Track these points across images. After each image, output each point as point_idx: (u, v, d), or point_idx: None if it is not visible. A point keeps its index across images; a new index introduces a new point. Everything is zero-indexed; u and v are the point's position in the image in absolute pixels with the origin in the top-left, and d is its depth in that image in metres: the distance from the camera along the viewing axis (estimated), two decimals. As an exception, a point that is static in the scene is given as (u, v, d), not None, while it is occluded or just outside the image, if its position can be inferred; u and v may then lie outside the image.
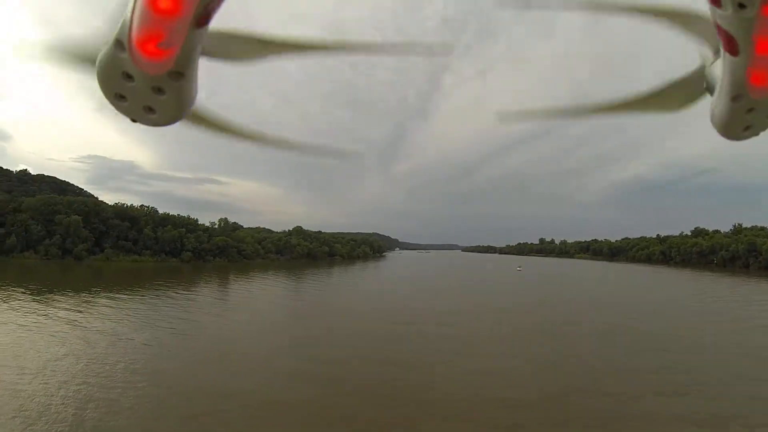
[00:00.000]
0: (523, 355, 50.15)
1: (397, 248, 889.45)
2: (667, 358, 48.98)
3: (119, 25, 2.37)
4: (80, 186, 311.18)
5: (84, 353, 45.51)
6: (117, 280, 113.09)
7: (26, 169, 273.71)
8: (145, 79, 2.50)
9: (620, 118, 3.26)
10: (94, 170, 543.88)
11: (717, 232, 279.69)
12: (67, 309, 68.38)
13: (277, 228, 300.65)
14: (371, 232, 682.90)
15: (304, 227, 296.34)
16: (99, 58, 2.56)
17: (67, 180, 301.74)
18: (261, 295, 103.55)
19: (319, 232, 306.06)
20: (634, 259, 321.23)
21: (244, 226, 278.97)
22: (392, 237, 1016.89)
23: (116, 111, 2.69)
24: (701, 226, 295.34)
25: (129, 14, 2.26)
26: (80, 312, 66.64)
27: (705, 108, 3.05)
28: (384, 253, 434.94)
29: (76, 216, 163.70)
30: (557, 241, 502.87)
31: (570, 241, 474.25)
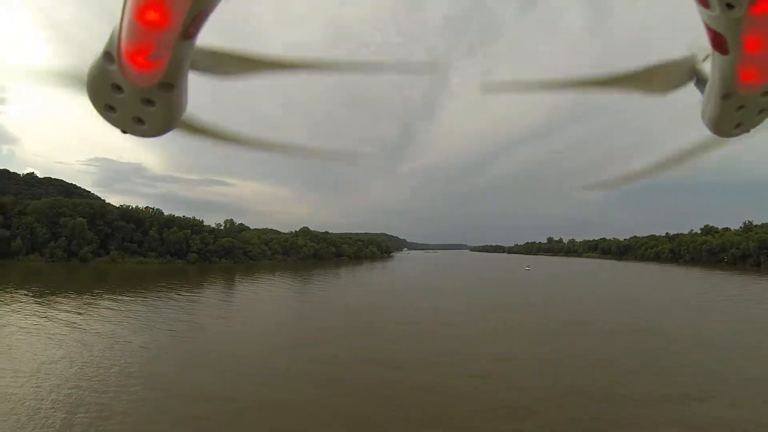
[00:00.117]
0: (529, 356, 48.97)
1: (405, 248, 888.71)
2: (677, 359, 47.54)
3: (108, 37, 2.42)
4: (87, 188, 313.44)
5: (80, 356, 44.94)
6: (120, 282, 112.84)
7: (33, 172, 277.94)
8: (134, 90, 2.53)
9: (605, 94, 3.28)
10: (101, 173, 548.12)
11: (727, 229, 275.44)
12: (67, 311, 67.98)
13: (284, 229, 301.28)
14: (379, 232, 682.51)
15: (312, 228, 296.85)
16: (89, 70, 2.59)
17: (73, 183, 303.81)
18: (265, 296, 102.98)
19: (326, 232, 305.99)
20: (643, 258, 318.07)
21: (251, 227, 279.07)
22: (400, 237, 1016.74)
23: (106, 122, 2.71)
24: (711, 224, 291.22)
25: (117, 27, 2.30)
26: (80, 314, 66.19)
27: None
28: (392, 254, 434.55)
29: (81, 218, 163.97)
30: (565, 240, 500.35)
31: (578, 240, 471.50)
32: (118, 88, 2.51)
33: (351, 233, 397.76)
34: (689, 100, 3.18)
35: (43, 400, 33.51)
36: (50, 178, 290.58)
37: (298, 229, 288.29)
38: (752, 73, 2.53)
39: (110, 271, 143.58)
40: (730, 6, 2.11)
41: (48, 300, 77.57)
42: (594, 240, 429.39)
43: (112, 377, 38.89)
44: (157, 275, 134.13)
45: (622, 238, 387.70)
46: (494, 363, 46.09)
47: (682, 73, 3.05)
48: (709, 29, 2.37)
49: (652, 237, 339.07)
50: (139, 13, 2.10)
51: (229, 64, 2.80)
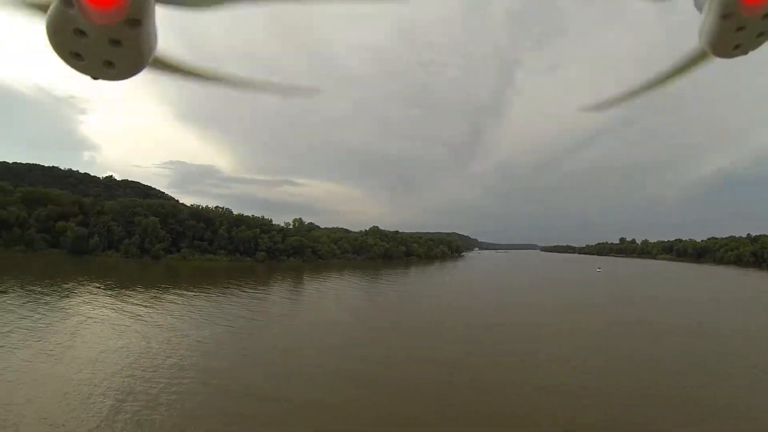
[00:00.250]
0: (600, 377, 45.27)
1: (476, 248, 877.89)
2: None
3: None
4: (162, 190, 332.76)
5: (138, 347, 46.87)
6: (188, 278, 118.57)
7: (111, 175, 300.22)
8: (99, 32, 2.44)
9: (668, 88, 3.54)
10: (175, 175, 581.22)
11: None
12: (133, 304, 71.73)
13: (355, 228, 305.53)
14: (450, 231, 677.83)
15: (384, 227, 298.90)
16: (47, 18, 2.48)
17: (149, 185, 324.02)
18: (330, 294, 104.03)
19: (396, 232, 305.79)
20: (721, 261, 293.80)
21: (321, 227, 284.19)
22: (471, 237, 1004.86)
23: (74, 70, 2.65)
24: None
25: None
26: (145, 307, 69.40)
27: None
28: (462, 253, 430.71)
29: (154, 217, 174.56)
30: (638, 241, 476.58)
31: (652, 240, 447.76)
32: (81, 33, 2.40)
33: (422, 232, 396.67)
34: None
35: (96, 386, 35.07)
36: (127, 180, 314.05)
37: (368, 229, 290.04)
38: None
39: (180, 267, 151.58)
40: None
41: (117, 293, 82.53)
42: (669, 241, 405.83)
43: (165, 369, 39.98)
44: (225, 272, 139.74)
45: (698, 240, 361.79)
46: (563, 376, 42.97)
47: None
48: None
49: (732, 238, 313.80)
50: None
51: None
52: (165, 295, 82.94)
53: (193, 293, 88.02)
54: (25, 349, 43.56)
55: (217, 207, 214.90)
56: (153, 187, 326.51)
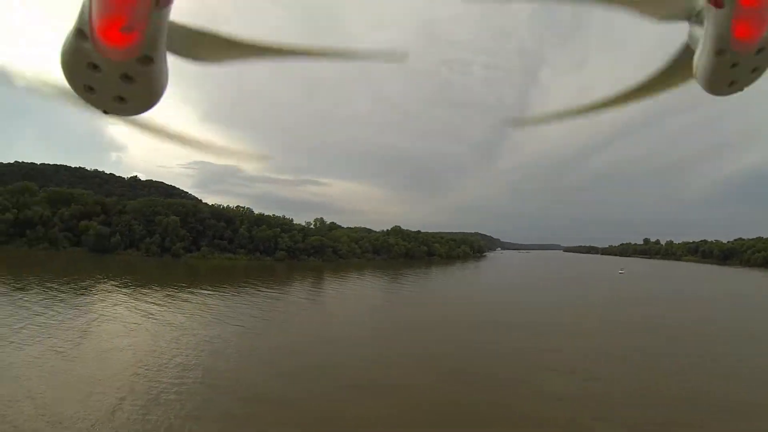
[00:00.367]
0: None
1: (499, 248, 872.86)
2: None
3: (78, 14, 2.38)
4: (186, 189, 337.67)
5: (145, 345, 47.28)
6: (206, 277, 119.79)
7: (136, 176, 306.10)
8: (112, 67, 2.50)
9: (630, 107, 3.58)
10: (199, 175, 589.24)
11: None
12: (147, 302, 72.58)
13: (377, 228, 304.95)
14: (473, 231, 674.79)
15: (406, 227, 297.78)
16: (62, 50, 2.55)
17: (173, 184, 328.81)
18: (348, 294, 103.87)
19: (418, 231, 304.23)
20: (749, 263, 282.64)
21: (343, 226, 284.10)
22: (494, 237, 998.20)
23: (86, 104, 2.69)
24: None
25: (87, 1, 2.27)
26: (158, 305, 70.13)
27: None
28: (484, 254, 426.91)
29: (174, 216, 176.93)
30: (662, 242, 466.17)
31: (677, 241, 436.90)
32: (95, 67, 2.44)
33: (444, 232, 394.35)
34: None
35: (97, 384, 35.39)
36: (152, 180, 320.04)
37: (389, 228, 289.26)
38: (747, 29, 2.56)
39: (199, 266, 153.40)
40: None
41: (132, 291, 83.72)
42: (694, 242, 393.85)
43: (170, 369, 40.08)
44: (244, 271, 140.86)
45: (725, 241, 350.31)
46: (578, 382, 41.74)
47: (679, 7, 3.02)
48: None
49: (760, 239, 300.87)
50: None
51: (210, 47, 2.77)
52: (180, 294, 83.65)
53: (208, 292, 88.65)
54: (34, 346, 44.11)
55: (238, 206, 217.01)
56: (176, 186, 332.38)
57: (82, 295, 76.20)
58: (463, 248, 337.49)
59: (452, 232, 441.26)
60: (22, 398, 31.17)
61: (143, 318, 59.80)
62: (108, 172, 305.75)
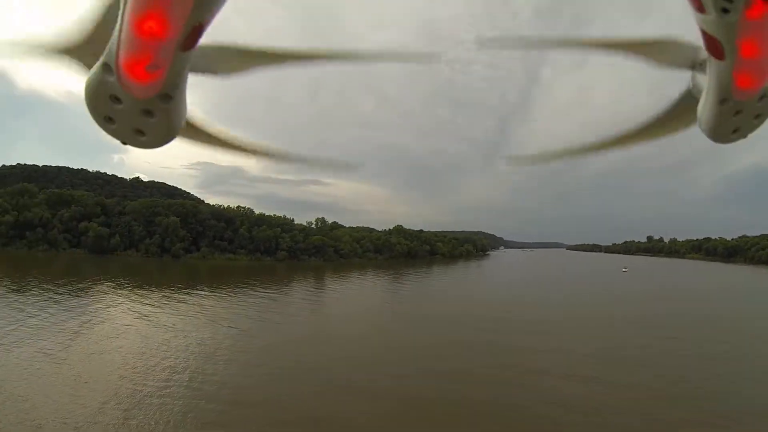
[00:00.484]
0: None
1: (502, 246, 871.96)
2: None
3: (106, 49, 2.52)
4: (188, 190, 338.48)
5: (134, 347, 47.30)
6: (204, 278, 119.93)
7: (138, 177, 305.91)
8: (133, 102, 2.61)
9: (628, 150, 3.61)
10: (203, 176, 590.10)
11: None
12: (142, 303, 72.74)
13: (381, 227, 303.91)
14: (476, 230, 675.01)
15: (410, 226, 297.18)
16: (87, 80, 2.67)
17: (175, 185, 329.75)
18: (345, 294, 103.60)
19: (421, 230, 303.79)
20: (753, 260, 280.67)
21: (346, 226, 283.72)
22: (497, 235, 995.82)
23: (106, 133, 2.78)
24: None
25: (116, 38, 2.41)
26: (153, 306, 70.19)
27: None
28: (487, 252, 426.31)
29: (174, 217, 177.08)
30: (666, 240, 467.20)
31: (680, 239, 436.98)
32: (117, 100, 2.57)
33: (447, 231, 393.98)
34: None
35: (81, 387, 35.16)
36: (154, 181, 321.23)
37: (391, 227, 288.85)
38: (748, 78, 2.62)
39: (198, 266, 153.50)
40: (725, 10, 2.19)
41: (128, 292, 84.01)
42: (698, 240, 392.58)
43: (157, 372, 39.94)
44: (243, 272, 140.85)
45: (729, 238, 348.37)
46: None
47: (683, 56, 3.08)
48: (704, 34, 2.46)
49: (764, 236, 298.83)
50: (138, 24, 2.18)
51: (228, 60, 2.87)
52: (175, 295, 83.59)
53: (204, 293, 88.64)
54: (24, 348, 44.12)
55: (238, 207, 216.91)
56: (178, 187, 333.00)
57: (77, 296, 76.20)
58: (466, 247, 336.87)
59: (456, 231, 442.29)
60: (4, 401, 31.09)
61: (136, 320, 59.74)
62: (110, 174, 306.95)
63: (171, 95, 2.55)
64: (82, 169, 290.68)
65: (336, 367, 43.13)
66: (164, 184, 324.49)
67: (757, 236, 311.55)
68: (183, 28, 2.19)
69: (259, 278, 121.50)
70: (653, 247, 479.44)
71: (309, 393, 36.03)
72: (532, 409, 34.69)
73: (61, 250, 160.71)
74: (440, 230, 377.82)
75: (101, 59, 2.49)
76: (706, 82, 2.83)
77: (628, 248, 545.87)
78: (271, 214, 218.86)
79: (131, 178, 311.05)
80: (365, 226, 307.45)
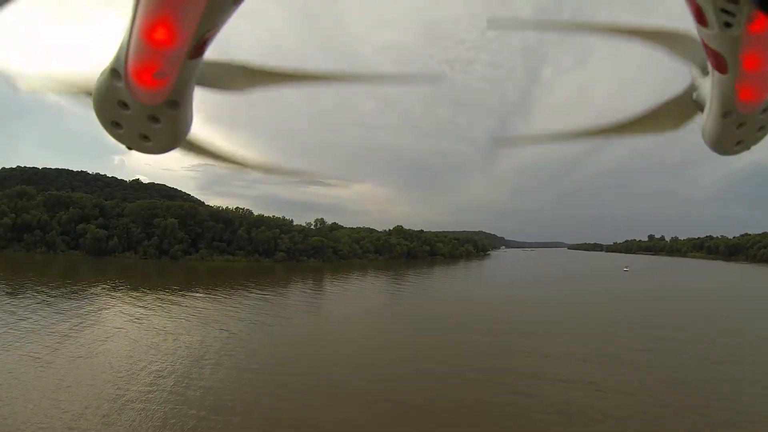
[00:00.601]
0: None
1: (503, 246, 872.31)
2: None
3: (115, 54, 2.54)
4: (188, 192, 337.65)
5: (122, 351, 47.16)
6: (201, 279, 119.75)
7: (138, 179, 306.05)
8: (140, 107, 2.60)
9: (615, 140, 3.58)
10: (203, 177, 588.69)
11: None
12: (135, 305, 72.85)
13: (382, 228, 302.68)
14: (477, 230, 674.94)
15: (411, 226, 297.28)
16: (95, 86, 2.67)
17: (175, 187, 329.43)
18: (344, 296, 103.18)
19: (421, 231, 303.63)
20: (755, 259, 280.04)
21: (348, 226, 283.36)
22: (498, 235, 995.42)
23: (112, 138, 2.78)
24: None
25: (125, 44, 2.41)
26: (146, 308, 70.21)
27: None
28: (488, 252, 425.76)
29: (173, 219, 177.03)
30: (667, 238, 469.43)
31: (682, 238, 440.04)
32: (124, 105, 2.58)
33: (448, 231, 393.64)
34: None
35: (63, 391, 35.03)
36: (154, 183, 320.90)
37: (391, 228, 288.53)
38: (752, 92, 2.61)
39: (196, 268, 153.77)
40: (728, 25, 2.18)
41: (123, 294, 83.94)
42: (699, 238, 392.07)
43: (143, 376, 39.76)
44: (241, 273, 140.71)
45: (731, 237, 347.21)
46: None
47: (689, 104, 3.13)
48: (707, 48, 2.46)
49: (766, 234, 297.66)
50: (147, 32, 2.19)
51: (235, 77, 2.90)
52: (170, 297, 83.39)
53: (199, 295, 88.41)
54: (11, 351, 44.04)
55: (237, 208, 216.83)
56: (178, 189, 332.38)
57: (70, 299, 75.96)
58: (467, 247, 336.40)
59: (457, 231, 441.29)
60: (-16, 407, 30.85)
61: (127, 322, 59.44)
62: (110, 176, 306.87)
63: (178, 102, 2.56)
64: (81, 171, 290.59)
65: (327, 371, 42.70)
66: (164, 186, 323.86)
67: (759, 234, 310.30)
68: (191, 37, 2.21)
69: (256, 280, 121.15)
70: (654, 246, 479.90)
71: (296, 398, 35.67)
72: (530, 415, 34.31)
73: (59, 252, 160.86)
74: (441, 230, 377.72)
75: (109, 64, 2.51)
76: (708, 91, 2.79)
77: (630, 247, 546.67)
78: (271, 215, 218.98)
79: (131, 180, 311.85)
80: (366, 226, 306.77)
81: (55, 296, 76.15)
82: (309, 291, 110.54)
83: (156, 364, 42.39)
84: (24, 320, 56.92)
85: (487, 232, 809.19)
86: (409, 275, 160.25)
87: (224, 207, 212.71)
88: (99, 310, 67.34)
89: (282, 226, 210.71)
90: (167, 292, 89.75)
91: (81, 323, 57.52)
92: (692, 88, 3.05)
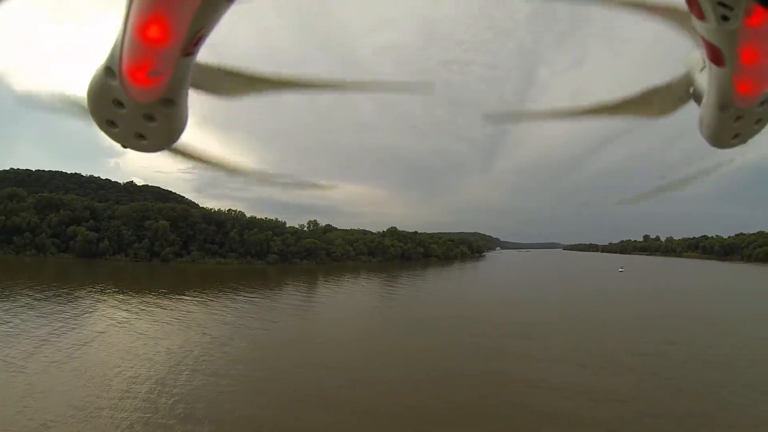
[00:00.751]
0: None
1: (498, 247, 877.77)
2: None
3: (109, 53, 2.54)
4: (183, 194, 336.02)
5: (98, 356, 46.65)
6: (190, 282, 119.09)
7: (132, 181, 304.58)
8: (135, 106, 2.63)
9: (606, 121, 3.61)
10: (198, 179, 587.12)
11: None
12: (119, 308, 72.31)
13: (377, 229, 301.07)
14: (473, 231, 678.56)
15: (409, 228, 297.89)
16: (89, 84, 2.70)
17: (169, 189, 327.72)
18: (335, 299, 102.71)
19: (415, 232, 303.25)
20: (750, 258, 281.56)
21: (344, 228, 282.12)
22: (493, 236, 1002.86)
23: (107, 136, 2.82)
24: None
25: (119, 42, 2.42)
26: (129, 312, 69.61)
27: None
28: (483, 253, 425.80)
29: (164, 221, 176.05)
30: (662, 238, 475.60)
31: (677, 238, 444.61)
32: (119, 104, 2.60)
33: (443, 233, 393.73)
34: None
35: (32, 398, 34.35)
36: (148, 185, 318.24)
37: (386, 230, 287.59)
38: (749, 85, 2.65)
39: (187, 270, 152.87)
40: (725, 18, 2.19)
41: (108, 297, 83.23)
42: (694, 238, 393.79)
43: (116, 383, 38.99)
44: (232, 275, 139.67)
45: (726, 236, 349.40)
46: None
47: (681, 92, 3.21)
48: (705, 41, 2.47)
49: (761, 234, 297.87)
50: (140, 30, 2.19)
51: (232, 83, 2.93)
52: (156, 300, 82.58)
53: (187, 298, 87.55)
54: (-16, 357, 43.01)
55: (229, 210, 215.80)
56: (173, 191, 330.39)
57: (54, 302, 74.85)
58: (462, 248, 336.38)
59: (453, 232, 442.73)
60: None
61: (109, 326, 58.61)
62: (104, 178, 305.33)
63: (173, 100, 2.57)
64: (75, 173, 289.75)
65: (314, 376, 42.03)
66: (159, 188, 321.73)
67: (754, 234, 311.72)
68: (185, 34, 2.21)
69: (246, 282, 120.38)
70: (650, 246, 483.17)
71: (277, 405, 35.01)
72: (523, 417, 33.92)
73: (49, 254, 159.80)
74: (439, 231, 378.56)
75: (103, 63, 2.51)
76: (705, 83, 2.84)
77: (625, 247, 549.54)
78: (263, 217, 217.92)
79: (125, 182, 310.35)
80: (362, 228, 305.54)
81: (39, 299, 75.19)
82: (299, 294, 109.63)
83: (131, 370, 41.55)
84: (3, 324, 56.06)
85: (483, 233, 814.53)
86: (402, 277, 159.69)
87: (217, 209, 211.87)
88: (82, 314, 66.45)
89: (275, 228, 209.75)
90: (153, 295, 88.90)
91: (61, 327, 56.66)
92: (688, 78, 3.12)
